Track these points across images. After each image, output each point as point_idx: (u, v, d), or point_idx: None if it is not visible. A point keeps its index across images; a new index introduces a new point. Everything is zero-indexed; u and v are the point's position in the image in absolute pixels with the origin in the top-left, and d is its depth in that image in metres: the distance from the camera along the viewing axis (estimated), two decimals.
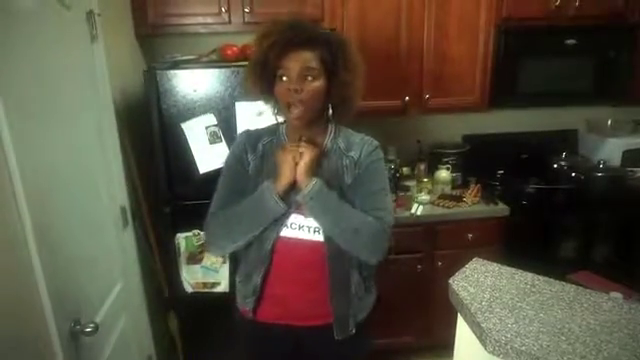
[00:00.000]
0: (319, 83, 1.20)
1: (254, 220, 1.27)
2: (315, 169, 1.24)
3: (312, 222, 1.27)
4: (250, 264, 1.35)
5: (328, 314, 1.32)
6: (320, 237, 1.28)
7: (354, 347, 1.40)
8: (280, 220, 1.27)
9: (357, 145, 1.32)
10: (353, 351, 1.41)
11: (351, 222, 1.24)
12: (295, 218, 1.28)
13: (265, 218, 1.26)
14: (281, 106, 1.26)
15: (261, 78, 1.23)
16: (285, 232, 1.29)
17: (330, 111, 1.28)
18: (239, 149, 1.34)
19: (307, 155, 1.22)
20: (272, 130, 1.37)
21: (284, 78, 1.20)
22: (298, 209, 1.27)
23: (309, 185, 1.21)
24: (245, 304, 1.37)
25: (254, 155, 1.33)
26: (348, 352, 1.40)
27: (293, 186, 1.24)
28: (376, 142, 1.34)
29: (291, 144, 1.26)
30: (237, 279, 1.44)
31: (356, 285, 1.34)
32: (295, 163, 1.22)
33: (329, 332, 1.33)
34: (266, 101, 1.32)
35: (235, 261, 1.44)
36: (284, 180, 1.23)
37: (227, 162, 1.37)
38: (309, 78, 1.19)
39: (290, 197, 1.26)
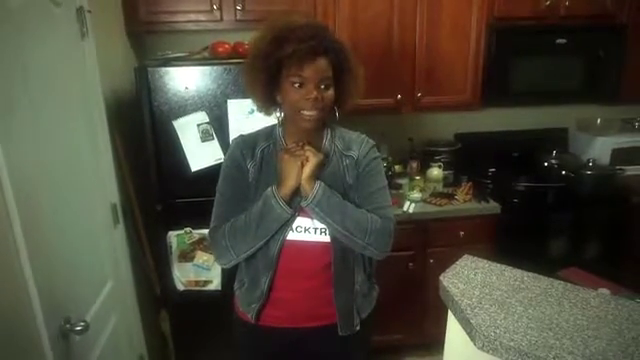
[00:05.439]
0: (332, 91, 1.20)
1: (260, 229, 1.23)
2: (318, 174, 1.23)
3: (318, 223, 1.26)
4: (256, 270, 1.33)
5: (332, 314, 1.32)
6: (326, 238, 1.27)
7: (357, 344, 1.40)
8: (285, 224, 1.25)
9: (355, 143, 1.32)
10: (356, 348, 1.42)
11: (356, 222, 1.23)
12: (300, 221, 1.27)
13: (271, 225, 1.24)
14: (290, 111, 1.23)
15: (269, 82, 1.21)
16: (291, 236, 1.27)
17: (337, 114, 1.27)
18: (236, 156, 1.30)
19: (313, 160, 1.20)
20: (267, 133, 1.34)
21: (298, 85, 1.17)
22: (303, 212, 1.25)
23: (313, 190, 1.20)
24: (249, 310, 1.35)
25: (253, 162, 1.29)
26: (351, 349, 1.40)
27: (297, 190, 1.22)
28: (372, 141, 1.34)
29: (294, 147, 1.23)
30: (237, 284, 1.42)
31: (360, 283, 1.34)
32: (301, 167, 1.20)
33: (332, 331, 1.33)
34: (266, 105, 1.27)
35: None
36: (290, 184, 1.21)
37: (225, 171, 1.33)
38: (322, 86, 1.18)
39: (295, 201, 1.24)
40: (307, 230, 1.27)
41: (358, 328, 1.35)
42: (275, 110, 1.29)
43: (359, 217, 1.24)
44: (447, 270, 1.26)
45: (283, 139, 1.31)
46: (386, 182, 1.35)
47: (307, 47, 1.14)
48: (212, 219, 1.33)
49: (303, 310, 1.34)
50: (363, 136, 1.35)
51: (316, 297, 1.32)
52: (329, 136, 1.32)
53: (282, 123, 1.31)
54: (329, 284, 1.30)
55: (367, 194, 1.29)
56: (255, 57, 1.22)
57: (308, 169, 1.20)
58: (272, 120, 1.34)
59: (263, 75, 1.20)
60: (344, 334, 1.33)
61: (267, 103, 1.27)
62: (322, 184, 1.22)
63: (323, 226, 1.26)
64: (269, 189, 1.23)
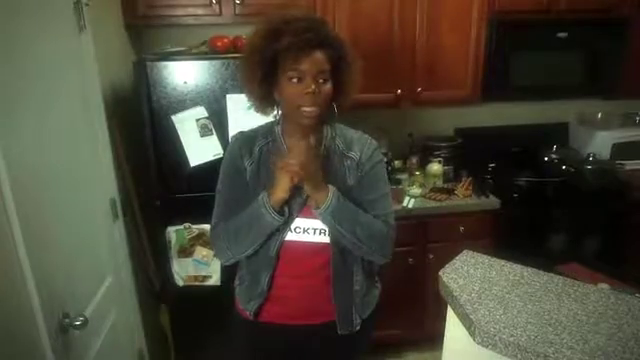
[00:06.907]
0: (330, 85, 1.18)
1: (253, 234, 1.24)
2: (323, 176, 1.19)
3: (317, 224, 1.25)
4: (256, 267, 1.32)
5: (331, 312, 1.32)
6: (326, 238, 1.26)
7: (357, 343, 1.40)
8: (284, 225, 1.24)
9: (356, 143, 1.29)
10: (356, 347, 1.42)
11: (367, 229, 1.22)
12: (299, 222, 1.26)
13: (264, 231, 1.23)
14: (288, 108, 1.21)
15: (265, 79, 1.18)
16: (290, 236, 1.27)
17: (335, 110, 1.25)
18: (234, 155, 1.29)
19: (302, 175, 1.14)
20: (267, 130, 1.31)
21: (295, 80, 1.15)
22: (302, 212, 1.25)
23: (326, 201, 1.18)
24: (249, 307, 1.35)
25: (250, 160, 1.28)
26: (351, 348, 1.40)
27: (293, 193, 1.20)
28: (375, 142, 1.32)
29: (281, 157, 1.18)
30: (237, 281, 1.42)
31: (360, 283, 1.34)
32: (291, 180, 1.16)
33: (332, 329, 1.33)
34: (263, 103, 1.24)
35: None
36: (278, 197, 1.19)
37: (223, 169, 1.32)
38: (320, 80, 1.16)
39: (291, 203, 1.22)
40: (306, 231, 1.27)
41: (358, 328, 1.35)
42: (272, 109, 1.27)
43: (369, 224, 1.23)
44: (447, 266, 1.25)
45: (282, 137, 1.29)
46: (389, 187, 1.34)
47: (303, 40, 1.11)
48: (213, 217, 1.33)
49: (303, 307, 1.33)
50: (366, 136, 1.32)
51: (316, 295, 1.32)
52: (329, 135, 1.29)
53: (280, 121, 1.29)
54: (328, 282, 1.30)
55: (370, 200, 1.28)
56: (251, 52, 1.19)
57: (308, 186, 1.17)
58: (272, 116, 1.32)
59: (259, 70, 1.17)
60: (343, 333, 1.33)
61: (264, 101, 1.24)
62: (336, 193, 1.19)
63: (322, 226, 1.25)
64: (260, 196, 1.21)
